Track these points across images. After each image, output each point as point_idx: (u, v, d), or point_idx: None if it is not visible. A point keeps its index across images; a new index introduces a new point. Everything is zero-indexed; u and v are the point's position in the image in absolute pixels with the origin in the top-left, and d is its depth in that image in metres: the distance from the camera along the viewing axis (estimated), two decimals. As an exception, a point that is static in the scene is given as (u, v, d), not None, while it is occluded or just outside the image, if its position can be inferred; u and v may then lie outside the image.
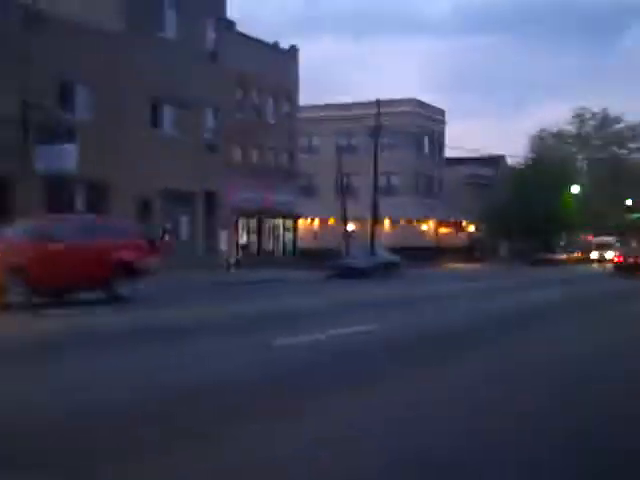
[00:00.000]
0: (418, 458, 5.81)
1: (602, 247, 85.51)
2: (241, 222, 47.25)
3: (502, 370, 10.34)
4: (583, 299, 25.18)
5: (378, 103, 51.91)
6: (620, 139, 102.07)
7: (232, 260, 40.39)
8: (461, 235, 77.88)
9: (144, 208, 37.30)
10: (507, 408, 7.87)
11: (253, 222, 48.62)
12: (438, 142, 74.46)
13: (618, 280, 39.55)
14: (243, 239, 48.07)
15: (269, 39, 50.24)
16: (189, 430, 6.56)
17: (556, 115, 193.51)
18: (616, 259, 48.54)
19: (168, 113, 39.70)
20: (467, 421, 7.16)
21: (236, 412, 7.43)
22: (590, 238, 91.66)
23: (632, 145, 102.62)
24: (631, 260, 45.29)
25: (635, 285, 34.52)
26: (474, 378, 9.67)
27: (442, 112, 76.12)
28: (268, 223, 49.70)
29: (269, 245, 50.59)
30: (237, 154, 46.30)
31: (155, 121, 38.85)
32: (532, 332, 15.16)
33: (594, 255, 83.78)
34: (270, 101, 49.80)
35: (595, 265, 74.43)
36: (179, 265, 36.86)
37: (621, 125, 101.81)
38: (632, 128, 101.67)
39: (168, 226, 39.38)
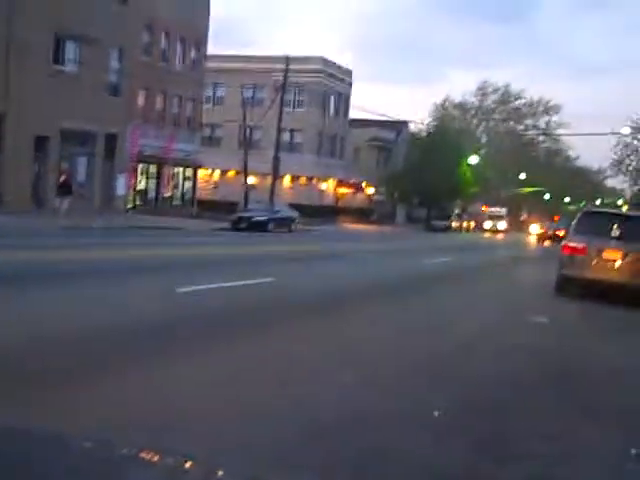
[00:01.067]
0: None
1: (494, 217, 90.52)
2: (140, 167, 46.53)
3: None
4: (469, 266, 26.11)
5: (287, 59, 51.65)
6: (519, 115, 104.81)
7: (62, 205, 36.36)
8: (360, 197, 78.75)
9: (40, 146, 36.32)
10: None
11: (153, 168, 47.95)
12: (344, 102, 74.67)
13: (511, 247, 41.06)
14: (141, 185, 47.40)
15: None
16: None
17: (463, 86, 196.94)
18: (540, 231, 66.69)
19: (71, 50, 38.50)
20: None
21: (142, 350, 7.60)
22: (484, 208, 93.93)
23: (529, 122, 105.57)
24: (550, 233, 60.38)
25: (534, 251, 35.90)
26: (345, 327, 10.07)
27: (349, 73, 76.30)
28: (168, 171, 49.09)
29: (168, 193, 50.04)
30: (141, 98, 45.43)
31: (57, 57, 37.66)
32: (406, 294, 15.74)
33: (487, 225, 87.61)
34: (178, 47, 48.94)
35: (487, 234, 77.12)
36: (75, 207, 36.19)
37: (521, 101, 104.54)
38: (530, 105, 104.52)
39: (65, 166, 38.54)
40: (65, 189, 35.56)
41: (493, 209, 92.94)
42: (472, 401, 6.97)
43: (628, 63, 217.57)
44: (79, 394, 5.89)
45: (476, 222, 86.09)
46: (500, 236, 75.28)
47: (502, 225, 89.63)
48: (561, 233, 51.96)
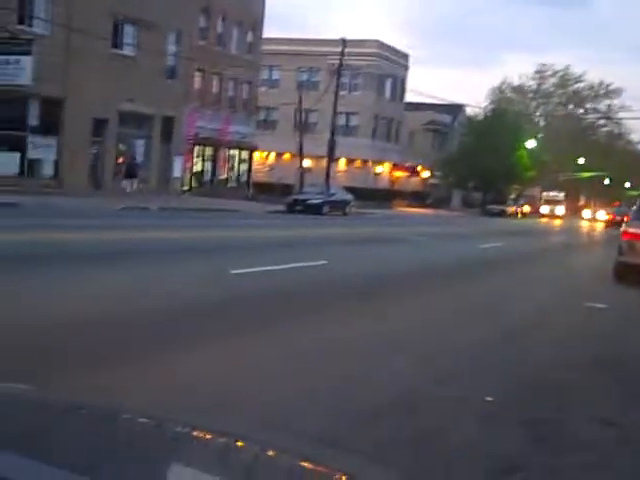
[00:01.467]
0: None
1: (551, 202, 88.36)
2: (197, 150, 46.92)
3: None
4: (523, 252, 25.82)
5: (343, 42, 51.49)
6: (579, 98, 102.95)
7: (131, 186, 38.50)
8: (415, 180, 78.32)
9: (99, 128, 36.86)
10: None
11: (209, 151, 48.32)
12: (400, 86, 74.20)
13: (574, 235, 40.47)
14: (197, 167, 47.81)
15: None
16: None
17: (520, 69, 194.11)
18: (608, 217, 68.58)
19: (129, 33, 38.92)
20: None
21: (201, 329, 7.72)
22: (540, 192, 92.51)
23: (589, 105, 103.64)
24: (619, 218, 58.67)
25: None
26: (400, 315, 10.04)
27: (406, 56, 75.77)
28: (224, 153, 49.40)
29: (223, 175, 50.40)
30: (197, 82, 45.76)
31: (116, 41, 38.10)
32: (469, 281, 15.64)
33: (544, 210, 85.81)
34: (234, 31, 49.13)
35: (544, 219, 75.45)
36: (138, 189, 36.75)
37: (581, 84, 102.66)
38: (591, 88, 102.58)
39: (124, 148, 39.15)
40: (132, 172, 36.95)
41: (551, 193, 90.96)
42: (528, 384, 6.93)
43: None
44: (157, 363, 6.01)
45: (533, 207, 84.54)
46: (557, 221, 73.67)
47: (560, 210, 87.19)
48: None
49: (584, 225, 66.27)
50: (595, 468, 5.20)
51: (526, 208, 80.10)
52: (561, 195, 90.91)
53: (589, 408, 6.41)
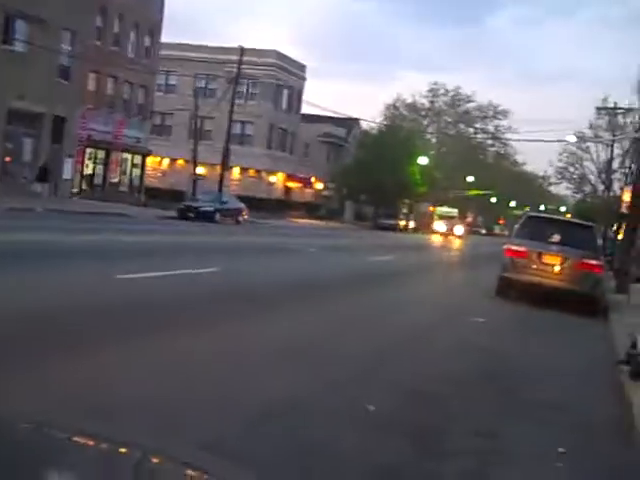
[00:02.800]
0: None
1: (445, 218, 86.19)
2: (88, 152, 45.90)
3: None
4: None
5: (241, 50, 51.49)
6: (469, 118, 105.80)
7: (42, 190, 38.53)
8: (309, 192, 78.82)
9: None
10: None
11: (101, 154, 47.36)
12: (296, 97, 74.62)
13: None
14: (89, 170, 46.77)
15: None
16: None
17: (416, 87, 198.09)
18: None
19: (21, 30, 37.83)
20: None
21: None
22: (431, 208, 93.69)
23: (479, 125, 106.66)
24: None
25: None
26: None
27: (303, 67, 76.29)
28: (116, 156, 48.52)
29: (115, 179, 49.48)
30: (91, 83, 44.81)
31: (6, 36, 36.96)
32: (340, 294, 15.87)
33: (438, 226, 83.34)
34: (131, 33, 48.39)
35: (437, 237, 73.80)
36: (18, 188, 35.73)
37: (471, 104, 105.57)
38: (480, 109, 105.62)
39: (9, 146, 38.05)
40: (44, 175, 36.86)
41: (444, 209, 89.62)
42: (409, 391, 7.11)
43: (576, 72, 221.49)
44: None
45: (423, 222, 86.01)
46: (450, 239, 72.48)
47: (459, 230, 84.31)
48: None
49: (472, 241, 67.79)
50: (471, 476, 5.40)
51: (407, 223, 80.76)
52: (454, 211, 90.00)
53: (468, 420, 6.63)
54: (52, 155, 40.45)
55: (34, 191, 37.27)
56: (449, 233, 79.75)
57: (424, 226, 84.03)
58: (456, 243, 63.18)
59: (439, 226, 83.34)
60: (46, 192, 38.06)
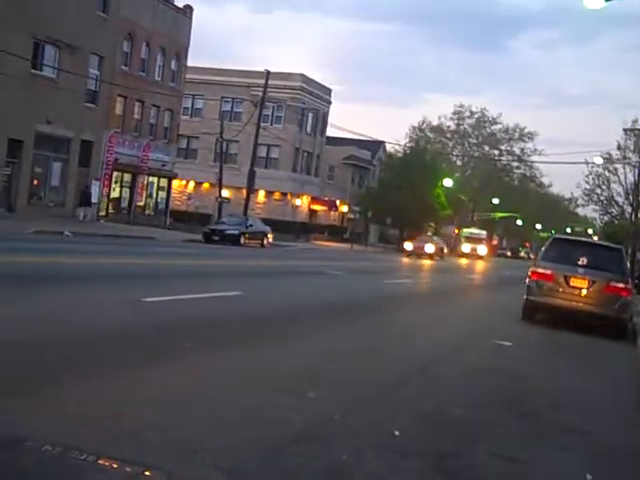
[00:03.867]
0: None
1: (472, 240, 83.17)
2: (115, 176, 46.33)
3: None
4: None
5: (267, 73, 51.89)
6: (494, 140, 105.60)
7: (84, 214, 39.72)
8: (334, 214, 78.92)
9: (14, 149, 36.13)
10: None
11: (127, 177, 47.78)
12: (321, 120, 75.00)
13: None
14: (115, 193, 47.18)
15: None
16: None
17: (441, 110, 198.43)
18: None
19: (50, 55, 38.38)
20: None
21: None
22: (456, 231, 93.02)
23: (504, 147, 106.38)
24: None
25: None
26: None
27: (329, 91, 76.70)
28: (142, 180, 48.93)
29: (141, 202, 49.86)
30: (118, 107, 45.33)
31: (36, 61, 37.53)
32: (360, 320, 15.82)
33: (465, 248, 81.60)
34: (158, 58, 48.94)
35: (464, 259, 72.36)
36: (46, 212, 36.08)
37: (497, 127, 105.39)
38: (506, 131, 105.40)
39: (37, 170, 38.59)
40: (85, 200, 38.10)
41: (472, 230, 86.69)
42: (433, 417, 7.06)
43: (599, 95, 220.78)
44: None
45: (447, 245, 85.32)
46: (474, 260, 71.24)
47: (482, 250, 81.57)
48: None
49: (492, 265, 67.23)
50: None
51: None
52: (483, 233, 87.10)
53: (491, 444, 6.57)
54: (79, 179, 40.88)
55: (76, 215, 39.13)
56: (474, 254, 78.59)
57: (450, 249, 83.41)
58: (479, 265, 62.55)
59: (466, 248, 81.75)
60: (89, 216, 39.97)
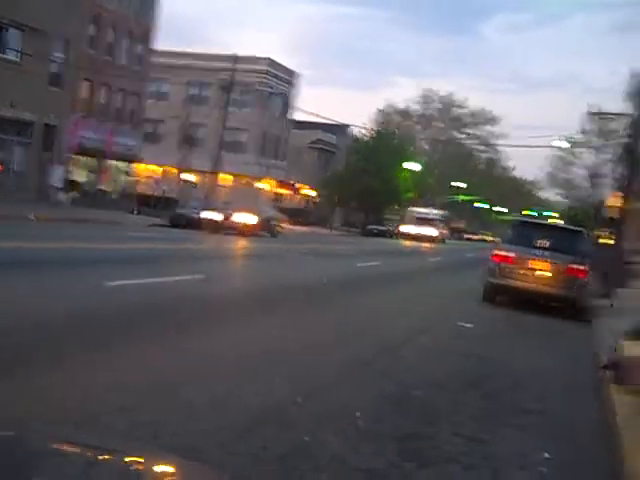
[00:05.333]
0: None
1: (421, 221, 72.43)
2: (80, 160, 45.95)
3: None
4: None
5: (235, 58, 51.65)
6: (461, 124, 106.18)
7: (64, 196, 39.99)
8: (299, 198, 78.90)
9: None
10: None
11: (93, 162, 47.40)
12: (288, 104, 74.79)
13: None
14: (80, 177, 46.80)
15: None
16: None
17: (408, 94, 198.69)
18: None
19: (14, 38, 37.90)
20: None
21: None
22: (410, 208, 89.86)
23: (470, 131, 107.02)
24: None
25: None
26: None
27: (295, 75, 76.50)
28: (108, 164, 48.55)
29: (107, 187, 49.49)
30: (84, 91, 44.90)
31: (-1, 44, 37.06)
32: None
33: (409, 229, 71.26)
34: (124, 41, 48.49)
35: (408, 242, 63.05)
36: (9, 197, 35.74)
37: (463, 111, 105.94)
38: (472, 115, 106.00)
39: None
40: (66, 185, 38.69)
41: (421, 210, 75.81)
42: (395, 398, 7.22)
43: (567, 79, 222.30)
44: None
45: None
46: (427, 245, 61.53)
47: (432, 232, 70.52)
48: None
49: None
50: None
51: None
52: (435, 212, 76.83)
53: (454, 424, 6.75)
54: (42, 163, 40.52)
55: (59, 200, 40.00)
56: (421, 235, 68.40)
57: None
58: (442, 248, 62.44)
59: (410, 229, 70.88)
60: (69, 202, 40.60)
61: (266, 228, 39.87)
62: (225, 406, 6.24)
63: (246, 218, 37.89)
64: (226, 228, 36.55)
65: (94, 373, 6.72)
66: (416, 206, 77.76)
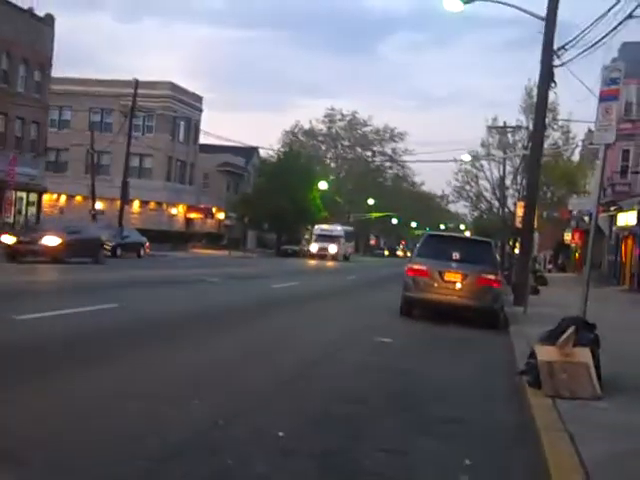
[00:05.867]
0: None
1: (324, 238, 72.22)
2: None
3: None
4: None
5: (136, 83, 51.05)
6: (366, 142, 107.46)
7: None
8: (211, 222, 78.47)
9: None
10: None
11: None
12: (194, 128, 74.38)
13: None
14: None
15: (24, 4, 47.74)
16: None
17: (313, 114, 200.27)
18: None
19: None
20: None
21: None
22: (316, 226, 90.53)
23: (376, 148, 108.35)
24: None
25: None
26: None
27: (199, 98, 76.18)
28: (10, 195, 47.17)
29: (10, 218, 48.08)
30: (-20, 120, 43.67)
31: None
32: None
33: (313, 248, 71.63)
34: (21, 69, 47.37)
35: (313, 261, 63.21)
36: None
37: (368, 128, 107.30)
38: (377, 132, 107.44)
39: None
40: None
41: (324, 227, 74.53)
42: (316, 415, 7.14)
43: (464, 95, 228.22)
44: None
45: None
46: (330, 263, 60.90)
47: (333, 249, 70.55)
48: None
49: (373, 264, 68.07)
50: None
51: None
52: (339, 229, 75.72)
53: (375, 438, 6.70)
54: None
55: None
56: (324, 253, 68.74)
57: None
58: (358, 266, 63.10)
59: (314, 247, 70.96)
60: None
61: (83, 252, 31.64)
62: (155, 429, 6.05)
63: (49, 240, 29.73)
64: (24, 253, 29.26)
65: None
66: (329, 224, 78.17)
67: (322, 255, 68.07)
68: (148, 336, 11.53)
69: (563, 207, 60.45)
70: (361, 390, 8.79)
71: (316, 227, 74.74)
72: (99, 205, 54.02)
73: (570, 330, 9.09)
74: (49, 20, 50.17)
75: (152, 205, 68.37)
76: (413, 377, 10.07)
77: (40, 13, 49.32)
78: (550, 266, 71.05)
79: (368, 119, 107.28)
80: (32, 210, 50.49)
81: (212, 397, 7.62)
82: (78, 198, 64.84)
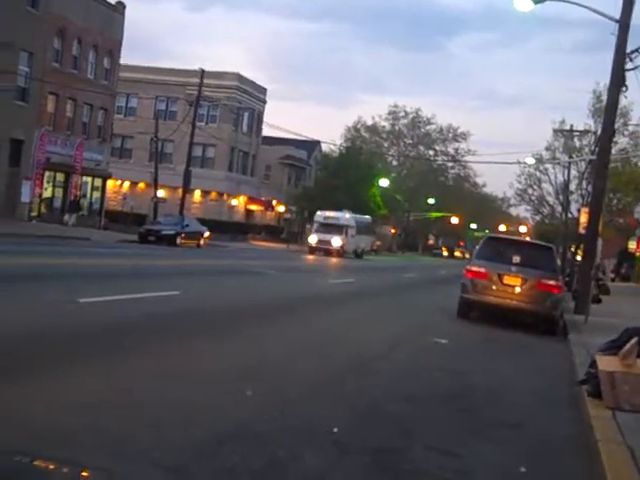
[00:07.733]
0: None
1: (327, 228, 56.96)
2: (47, 175, 45.44)
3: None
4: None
5: (202, 72, 51.51)
6: (429, 140, 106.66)
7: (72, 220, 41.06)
8: (270, 214, 78.79)
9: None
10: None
11: (60, 177, 46.91)
12: (257, 120, 74.75)
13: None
14: (48, 193, 46.27)
15: (96, -9, 48.42)
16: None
17: (376, 109, 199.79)
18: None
19: (-22, 52, 37.41)
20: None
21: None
22: (392, 230, 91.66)
23: (438, 148, 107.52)
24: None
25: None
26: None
27: (264, 90, 76.50)
28: (76, 180, 48.08)
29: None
30: (50, 105, 44.47)
31: (-37, 58, 36.53)
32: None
33: (312, 239, 56.86)
34: (91, 55, 48.16)
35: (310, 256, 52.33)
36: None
37: (431, 127, 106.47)
38: (440, 131, 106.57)
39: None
40: (75, 207, 38.93)
41: (329, 214, 59.38)
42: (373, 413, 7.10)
43: (529, 97, 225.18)
44: None
45: (383, 244, 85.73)
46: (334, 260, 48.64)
47: (337, 242, 55.59)
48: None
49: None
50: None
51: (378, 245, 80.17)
52: (347, 217, 59.96)
53: (430, 439, 6.63)
54: (10, 179, 40.00)
55: (65, 221, 42.34)
56: (323, 247, 55.04)
57: (386, 248, 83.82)
58: (413, 265, 62.54)
59: (312, 239, 56.72)
60: (73, 222, 43.15)
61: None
62: (199, 420, 6.08)
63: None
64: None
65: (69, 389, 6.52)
66: (387, 223, 77.25)
67: (324, 249, 54.71)
68: (211, 324, 11.61)
69: (629, 214, 59.24)
70: (415, 390, 8.71)
71: (318, 213, 60.45)
72: (161, 193, 54.64)
73: (633, 341, 8.87)
74: (120, 7, 50.91)
75: (213, 195, 68.94)
76: (468, 379, 9.95)
77: (111, 0, 50.12)
78: (613, 275, 69.80)
79: (431, 117, 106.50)
80: (96, 195, 51.36)
81: (265, 391, 7.62)
82: (141, 185, 65.68)
